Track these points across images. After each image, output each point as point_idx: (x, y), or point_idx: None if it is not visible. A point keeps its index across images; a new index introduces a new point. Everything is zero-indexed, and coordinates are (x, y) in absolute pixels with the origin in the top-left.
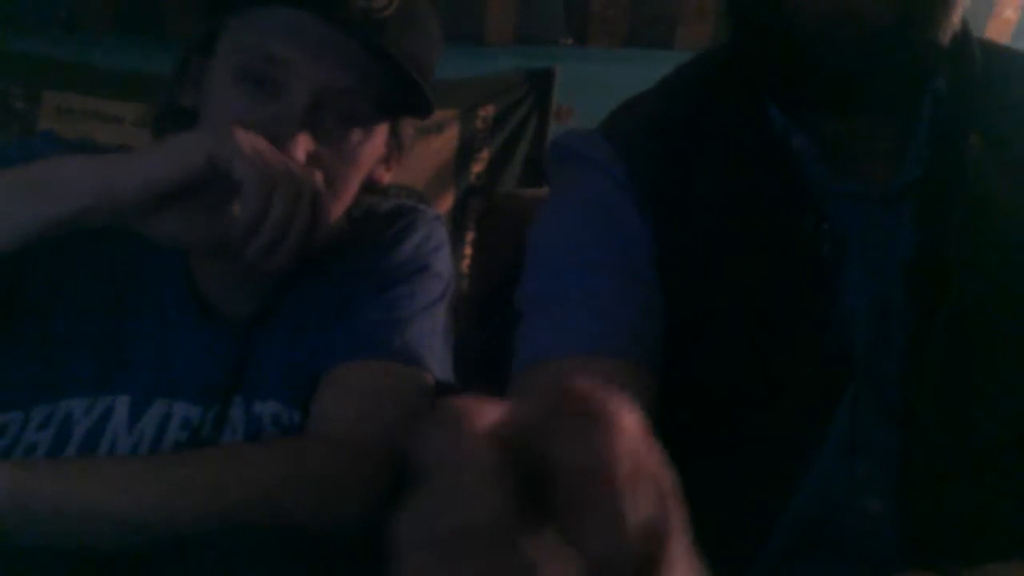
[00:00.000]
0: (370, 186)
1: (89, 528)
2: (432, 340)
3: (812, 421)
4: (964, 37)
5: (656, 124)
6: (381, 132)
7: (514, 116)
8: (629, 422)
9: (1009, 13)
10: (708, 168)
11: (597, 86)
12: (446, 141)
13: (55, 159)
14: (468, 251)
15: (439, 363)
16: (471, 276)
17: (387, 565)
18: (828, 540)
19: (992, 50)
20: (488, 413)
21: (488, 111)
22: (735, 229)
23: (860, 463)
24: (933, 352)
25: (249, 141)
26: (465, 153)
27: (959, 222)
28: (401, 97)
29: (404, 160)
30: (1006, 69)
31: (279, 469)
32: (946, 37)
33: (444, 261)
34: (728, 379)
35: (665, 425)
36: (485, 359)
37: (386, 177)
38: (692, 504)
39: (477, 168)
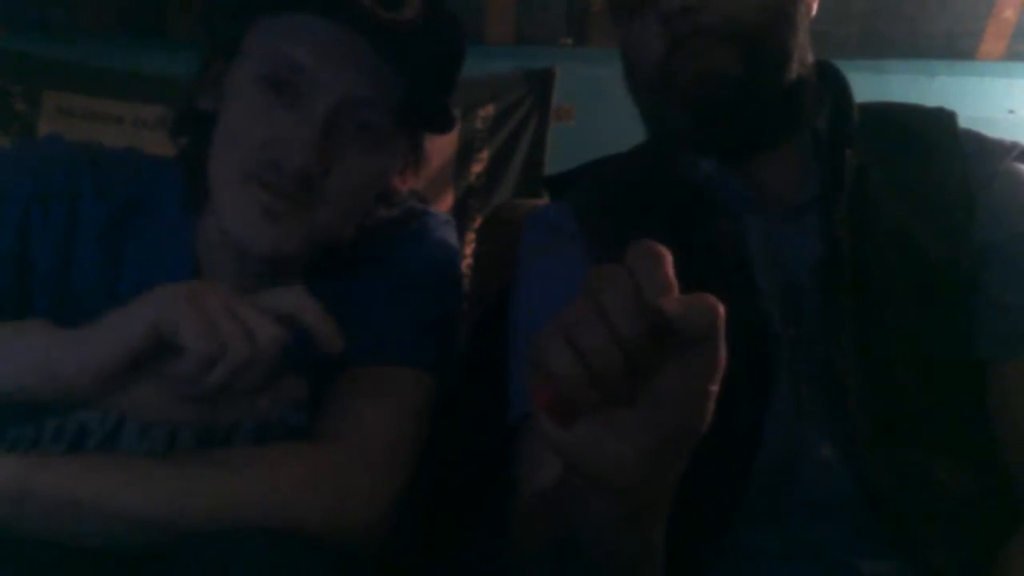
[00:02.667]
0: (385, 197)
1: (91, 525)
2: (448, 348)
3: (756, 384)
4: (842, 84)
5: (608, 188)
6: (399, 145)
7: (514, 116)
8: None
9: (1009, 13)
10: (646, 214)
11: (597, 86)
12: (446, 141)
13: (17, 324)
14: (468, 251)
15: (447, 365)
16: (471, 284)
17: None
18: (792, 496)
19: (861, 105)
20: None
21: (488, 111)
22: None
23: (807, 415)
24: (843, 331)
25: (202, 307)
26: (465, 153)
27: (853, 226)
28: (421, 111)
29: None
30: (876, 113)
31: (289, 473)
32: (791, 75)
33: (455, 265)
34: None
35: None
36: (481, 365)
37: (403, 188)
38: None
39: (477, 168)
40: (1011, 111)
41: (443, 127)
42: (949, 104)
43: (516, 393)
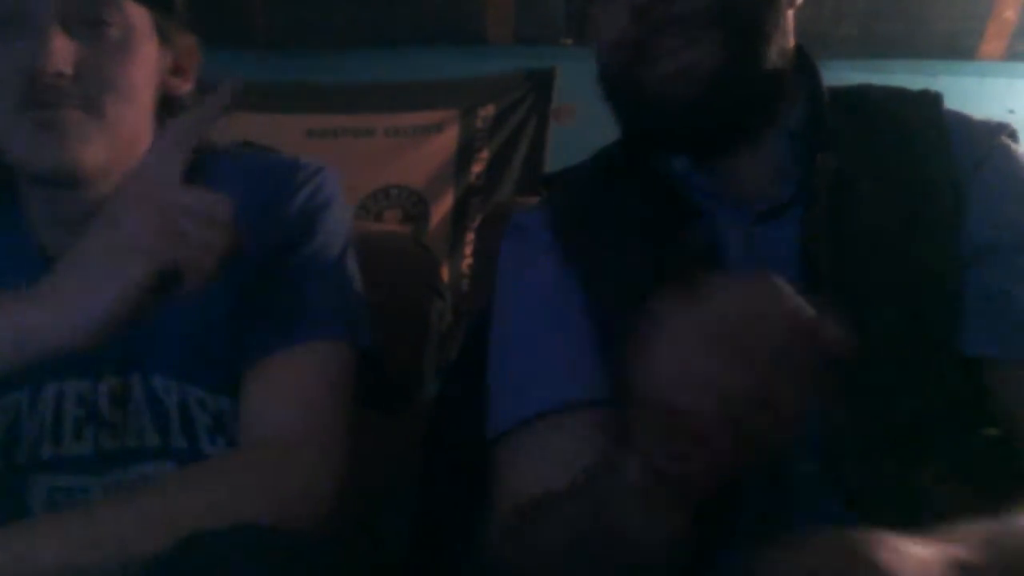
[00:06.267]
0: (170, 100)
1: None
2: (341, 306)
3: None
4: (814, 77)
5: (574, 190)
6: (145, 29)
7: (514, 116)
8: None
9: (1009, 14)
10: (618, 219)
11: (597, 86)
12: (446, 141)
13: None
14: (468, 251)
15: (355, 329)
16: (471, 282)
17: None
18: (786, 514)
19: (840, 91)
20: None
21: (488, 111)
22: (642, 257)
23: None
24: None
25: (181, 232)
26: (465, 153)
27: (831, 227)
28: None
29: (406, 156)
30: (854, 100)
31: (222, 489)
32: (777, 64)
33: (336, 216)
34: None
35: None
36: (474, 367)
37: (185, 87)
38: None
39: (477, 168)
40: (1011, 111)
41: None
42: (949, 104)
43: (502, 404)
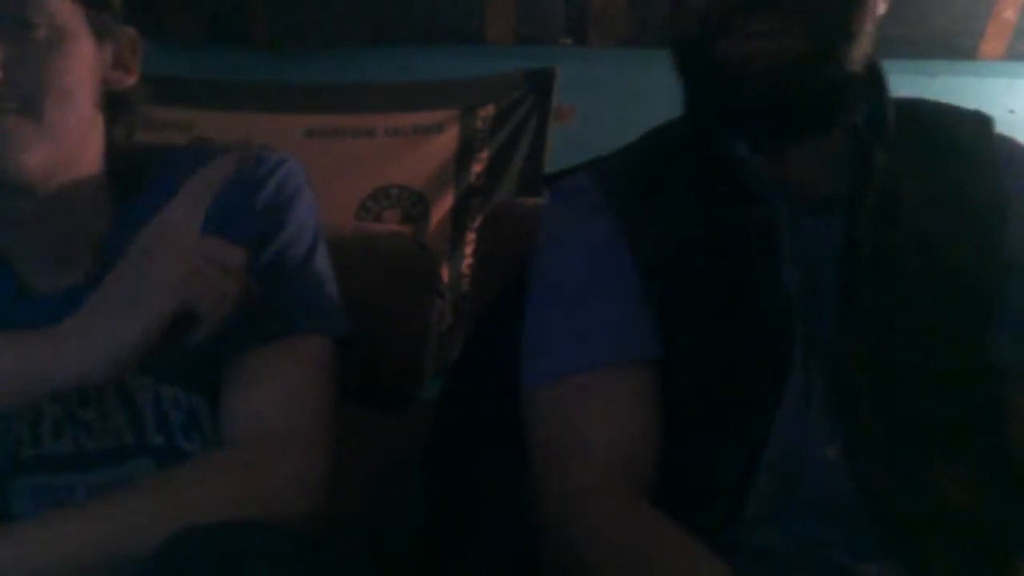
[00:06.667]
0: (115, 95)
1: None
2: (317, 298)
3: (769, 382)
4: (879, 81)
5: (632, 161)
6: (75, 27)
7: (514, 116)
8: None
9: (1009, 13)
10: (672, 186)
11: (597, 86)
12: (446, 141)
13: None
14: (468, 251)
15: (332, 319)
16: (471, 282)
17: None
18: (801, 490)
19: (898, 100)
20: None
21: (488, 111)
22: (695, 231)
23: (814, 416)
24: (858, 332)
25: (203, 274)
26: (465, 153)
27: (875, 224)
28: None
29: (406, 156)
30: (909, 110)
31: (225, 486)
32: (854, 66)
33: (304, 207)
34: (701, 355)
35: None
36: (478, 364)
37: (128, 81)
38: (678, 463)
39: (477, 168)
40: (1011, 111)
41: None
42: None
43: (545, 358)
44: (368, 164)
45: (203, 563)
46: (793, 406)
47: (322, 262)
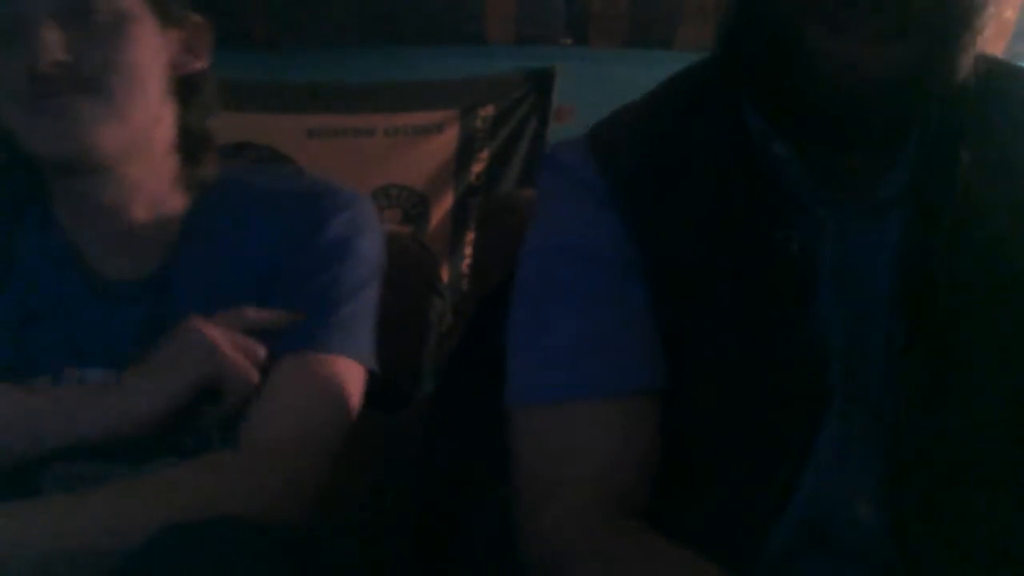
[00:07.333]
0: (186, 80)
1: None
2: (359, 328)
3: (798, 428)
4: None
5: (640, 137)
6: (137, 12)
7: (514, 116)
8: None
9: (1009, 13)
10: (689, 180)
11: (597, 86)
12: (446, 141)
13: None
14: (468, 251)
15: (367, 351)
16: (471, 276)
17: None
18: (827, 541)
19: (995, 66)
20: None
21: (488, 111)
22: (713, 240)
23: (851, 471)
24: (916, 364)
25: (229, 352)
26: (465, 153)
27: (947, 236)
28: None
29: (406, 156)
30: (1005, 86)
31: (221, 485)
32: (961, 77)
33: (371, 244)
34: (715, 388)
35: (665, 433)
36: (475, 358)
37: (198, 65)
38: (693, 506)
39: (477, 168)
40: None
41: None
42: None
43: (525, 374)
44: (368, 164)
45: (185, 557)
46: (825, 458)
47: (372, 300)
